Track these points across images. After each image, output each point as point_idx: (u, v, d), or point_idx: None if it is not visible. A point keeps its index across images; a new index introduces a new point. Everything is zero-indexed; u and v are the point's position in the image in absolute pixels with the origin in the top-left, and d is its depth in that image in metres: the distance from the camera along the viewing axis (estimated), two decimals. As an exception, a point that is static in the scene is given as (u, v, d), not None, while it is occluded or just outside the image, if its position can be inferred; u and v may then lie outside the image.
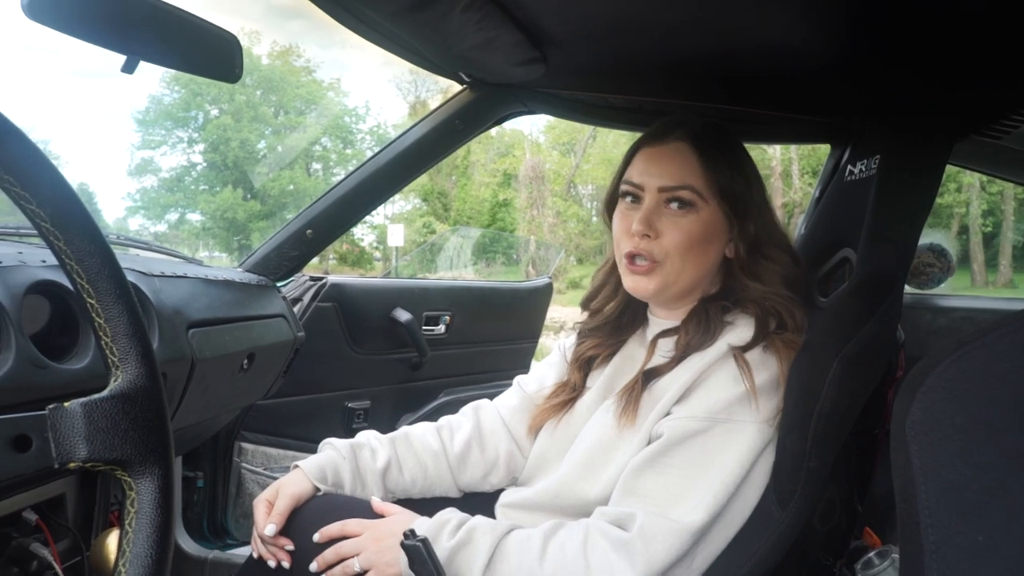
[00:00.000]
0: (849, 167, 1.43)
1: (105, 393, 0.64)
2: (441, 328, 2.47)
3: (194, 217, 31.28)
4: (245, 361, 1.58)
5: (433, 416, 2.44)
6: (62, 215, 0.63)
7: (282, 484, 1.26)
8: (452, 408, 2.47)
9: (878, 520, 1.45)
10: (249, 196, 29.49)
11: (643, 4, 1.19)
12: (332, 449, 1.33)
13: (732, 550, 1.09)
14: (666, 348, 1.24)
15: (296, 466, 1.29)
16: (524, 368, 2.82)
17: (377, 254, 28.20)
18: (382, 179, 1.80)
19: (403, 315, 2.30)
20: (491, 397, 2.64)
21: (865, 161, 1.36)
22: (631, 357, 1.32)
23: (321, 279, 2.19)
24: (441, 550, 1.08)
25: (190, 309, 1.40)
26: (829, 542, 1.25)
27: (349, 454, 1.31)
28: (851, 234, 1.38)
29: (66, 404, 0.62)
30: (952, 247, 1.87)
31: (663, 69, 1.49)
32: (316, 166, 31.19)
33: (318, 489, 1.27)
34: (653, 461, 1.10)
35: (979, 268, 19.13)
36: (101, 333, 0.65)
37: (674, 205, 1.19)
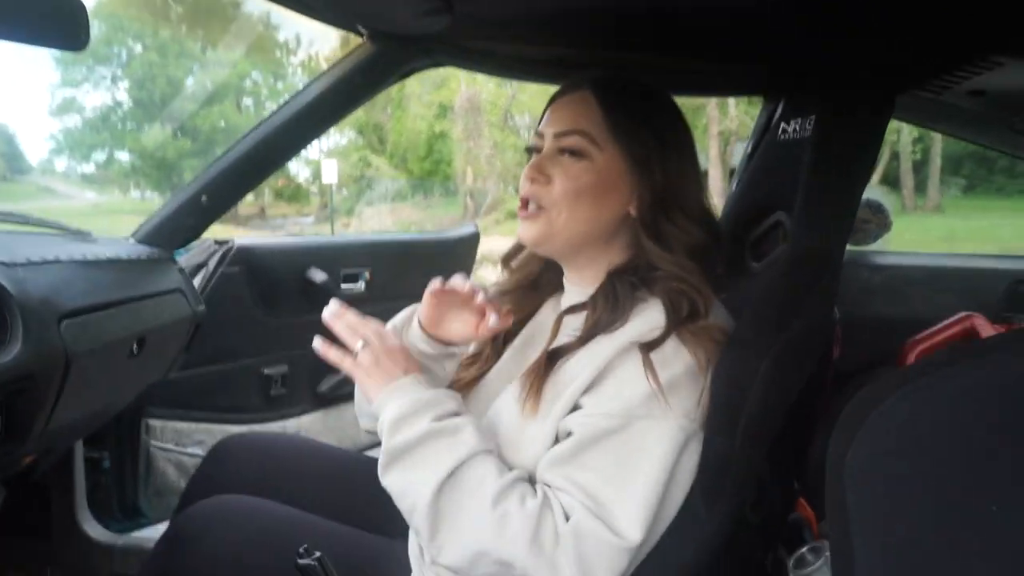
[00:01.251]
0: (783, 124, 1.34)
1: None
2: (361, 285, 2.36)
3: (123, 156, 30.44)
4: (135, 346, 1.46)
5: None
6: None
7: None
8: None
9: (811, 490, 1.40)
10: (179, 134, 28.60)
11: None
12: None
13: (658, 553, 1.01)
14: (573, 326, 1.15)
15: None
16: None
17: (314, 188, 27.74)
18: (279, 142, 1.66)
19: (318, 275, 2.20)
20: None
21: (799, 120, 1.27)
22: (541, 327, 1.24)
23: (227, 242, 2.06)
24: (418, 429, 1.01)
25: (62, 297, 1.26)
26: (763, 528, 1.19)
27: None
28: (784, 196, 1.30)
29: None
30: (888, 201, 1.83)
31: (580, 17, 1.37)
32: (247, 101, 30.29)
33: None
34: (566, 462, 1.01)
35: (908, 193, 19.50)
36: None
37: (567, 153, 1.13)
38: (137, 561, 1.81)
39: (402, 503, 1.01)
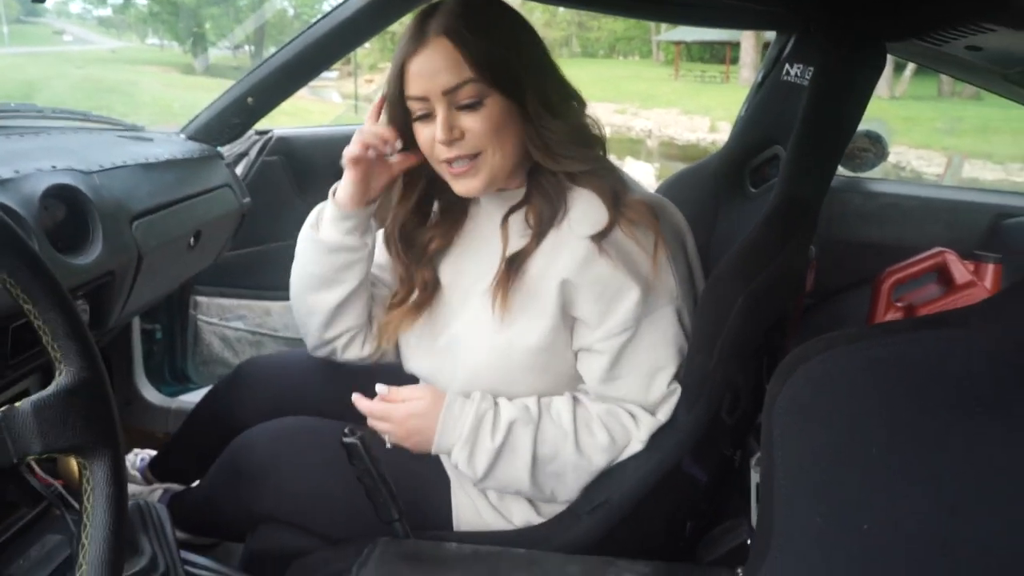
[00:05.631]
0: (787, 66, 1.44)
1: (51, 389, 0.70)
2: (393, 171, 2.49)
3: (141, 0, 29.76)
4: (192, 239, 1.63)
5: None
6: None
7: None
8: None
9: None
10: (198, -23, 27.95)
11: None
12: None
13: (643, 451, 1.21)
14: (518, 226, 1.23)
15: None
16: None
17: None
18: (321, 50, 1.78)
19: None
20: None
21: (801, 67, 1.38)
22: (480, 238, 1.31)
23: (266, 133, 2.18)
24: (485, 452, 1.18)
25: (132, 200, 1.42)
26: (736, 427, 1.37)
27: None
28: (783, 133, 1.42)
29: (17, 405, 0.68)
30: (886, 133, 1.93)
31: None
32: (267, -57, 29.29)
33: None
34: (605, 381, 1.21)
35: (946, 79, 18.89)
36: (42, 333, 0.70)
37: (464, 106, 1.14)
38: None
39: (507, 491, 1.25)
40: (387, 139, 1.23)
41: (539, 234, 1.19)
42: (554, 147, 1.17)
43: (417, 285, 1.34)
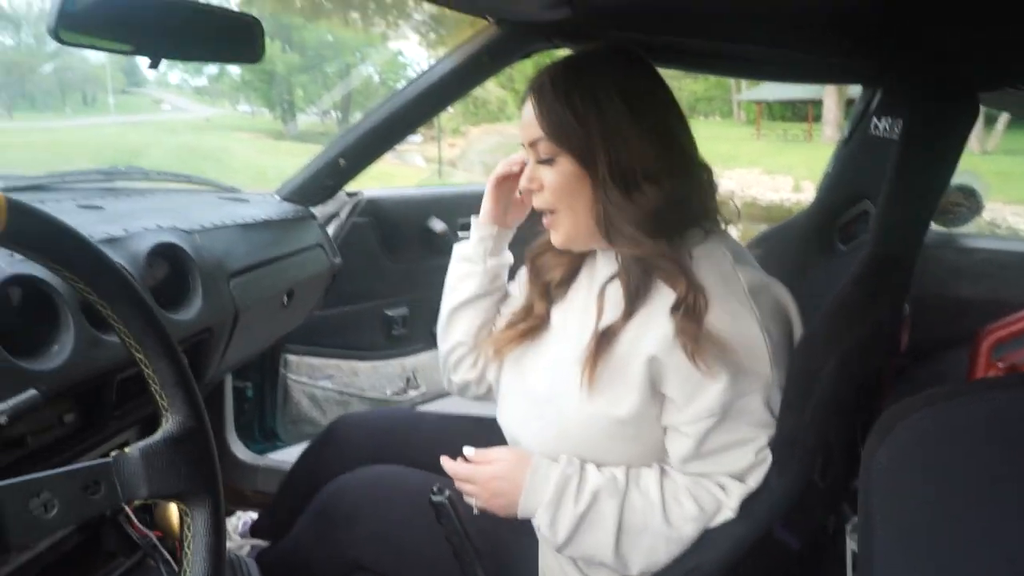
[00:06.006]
0: (875, 120, 1.42)
1: (158, 436, 0.73)
2: (475, 233, 2.52)
3: (234, 70, 31.25)
4: (285, 298, 1.68)
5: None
6: (103, 288, 0.70)
7: None
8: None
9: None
10: (288, 48, 29.26)
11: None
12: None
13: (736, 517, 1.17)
14: (616, 296, 1.20)
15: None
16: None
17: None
18: (410, 112, 1.83)
19: (438, 225, 2.35)
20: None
21: (888, 120, 1.36)
22: (584, 297, 1.29)
23: (357, 194, 2.25)
24: (568, 517, 1.15)
25: (230, 259, 1.47)
26: (829, 491, 1.32)
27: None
28: (872, 188, 1.39)
29: (126, 450, 0.71)
30: (981, 187, 1.87)
31: (693, 12, 1.47)
32: (354, 15, 30.62)
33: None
34: (691, 460, 1.17)
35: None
36: (150, 382, 0.73)
37: (543, 160, 1.19)
38: (276, 480, 2.07)
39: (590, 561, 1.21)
40: (523, 162, 1.31)
41: (629, 311, 1.17)
42: (614, 223, 1.14)
43: (532, 313, 1.34)
